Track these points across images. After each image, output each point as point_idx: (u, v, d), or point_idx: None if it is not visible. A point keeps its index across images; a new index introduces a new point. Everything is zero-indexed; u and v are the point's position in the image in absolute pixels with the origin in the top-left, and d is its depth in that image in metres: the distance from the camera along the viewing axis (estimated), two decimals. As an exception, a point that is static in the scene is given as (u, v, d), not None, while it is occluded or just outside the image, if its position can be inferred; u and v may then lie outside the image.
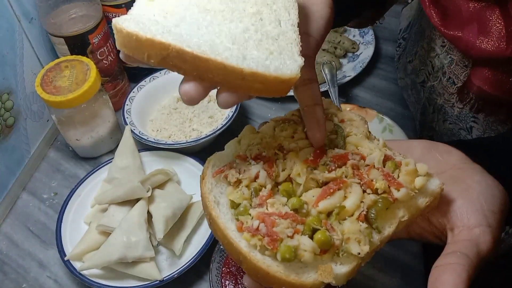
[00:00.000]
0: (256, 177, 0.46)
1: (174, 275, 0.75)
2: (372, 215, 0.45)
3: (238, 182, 0.47)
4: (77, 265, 0.77)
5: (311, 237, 0.43)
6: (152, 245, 0.78)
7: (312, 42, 0.51)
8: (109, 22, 1.00)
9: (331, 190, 0.45)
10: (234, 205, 0.46)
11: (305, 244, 0.42)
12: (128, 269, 0.76)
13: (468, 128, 0.79)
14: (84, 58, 0.91)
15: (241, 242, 0.44)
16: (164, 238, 0.77)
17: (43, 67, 0.91)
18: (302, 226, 0.43)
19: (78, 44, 0.93)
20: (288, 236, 0.42)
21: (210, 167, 0.50)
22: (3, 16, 0.86)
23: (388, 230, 0.46)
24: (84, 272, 0.76)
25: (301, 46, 0.44)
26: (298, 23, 0.46)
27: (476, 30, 0.67)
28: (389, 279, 0.77)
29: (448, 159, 0.52)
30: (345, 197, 0.45)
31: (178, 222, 0.81)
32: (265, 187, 0.46)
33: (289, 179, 0.47)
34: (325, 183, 0.47)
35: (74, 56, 0.92)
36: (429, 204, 0.47)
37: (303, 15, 0.50)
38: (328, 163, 0.47)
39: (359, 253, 0.43)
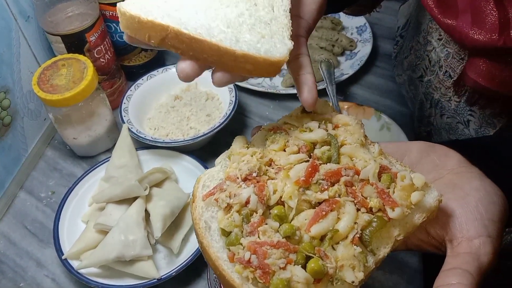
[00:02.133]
0: (247, 202, 0.45)
1: (172, 273, 0.75)
2: (367, 237, 0.44)
3: (229, 207, 0.46)
4: (74, 264, 0.76)
5: (305, 266, 0.42)
6: (150, 244, 0.77)
7: (303, 24, 0.54)
8: (106, 20, 1.00)
9: (324, 213, 0.44)
10: (225, 233, 0.45)
11: (298, 275, 0.41)
12: (126, 267, 0.76)
13: (465, 122, 0.79)
14: (81, 57, 0.91)
15: (233, 274, 0.43)
16: (162, 236, 0.77)
17: (40, 66, 0.91)
18: (295, 255, 0.42)
19: (75, 43, 0.93)
20: (280, 268, 0.41)
21: (200, 188, 0.49)
22: (0, 14, 0.86)
23: (384, 251, 0.45)
24: (82, 271, 0.76)
25: (292, 29, 0.48)
26: (290, 8, 0.49)
27: (470, 20, 0.67)
28: (387, 276, 0.77)
29: (446, 162, 0.51)
30: (339, 219, 0.44)
31: (176, 221, 0.81)
32: (257, 212, 0.45)
33: (281, 202, 0.46)
34: (319, 203, 0.45)
35: (71, 54, 0.92)
36: (426, 219, 0.46)
37: None
38: (321, 182, 0.46)
39: (353, 282, 0.42)
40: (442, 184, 0.48)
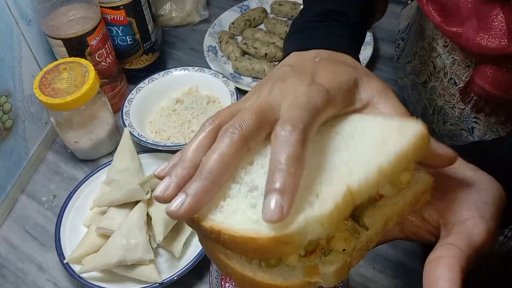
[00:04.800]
0: None
1: (173, 277, 0.75)
2: (358, 213, 0.44)
3: None
4: (76, 268, 0.76)
5: None
6: (152, 248, 0.77)
7: None
8: (107, 24, 1.00)
9: None
10: None
11: None
12: (128, 271, 0.76)
13: (470, 129, 0.79)
14: (82, 60, 0.91)
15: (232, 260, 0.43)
16: (164, 240, 0.77)
17: (41, 70, 0.91)
18: None
19: (76, 46, 0.93)
20: None
21: None
22: (1, 18, 0.86)
23: (376, 226, 0.45)
24: (84, 275, 0.76)
25: None
26: None
27: (476, 26, 0.66)
28: (389, 280, 0.77)
29: None
30: None
31: (177, 224, 0.80)
32: None
33: None
34: None
35: (72, 58, 0.92)
36: (419, 198, 0.47)
37: None
38: None
39: (344, 250, 0.42)
40: (436, 175, 0.49)
